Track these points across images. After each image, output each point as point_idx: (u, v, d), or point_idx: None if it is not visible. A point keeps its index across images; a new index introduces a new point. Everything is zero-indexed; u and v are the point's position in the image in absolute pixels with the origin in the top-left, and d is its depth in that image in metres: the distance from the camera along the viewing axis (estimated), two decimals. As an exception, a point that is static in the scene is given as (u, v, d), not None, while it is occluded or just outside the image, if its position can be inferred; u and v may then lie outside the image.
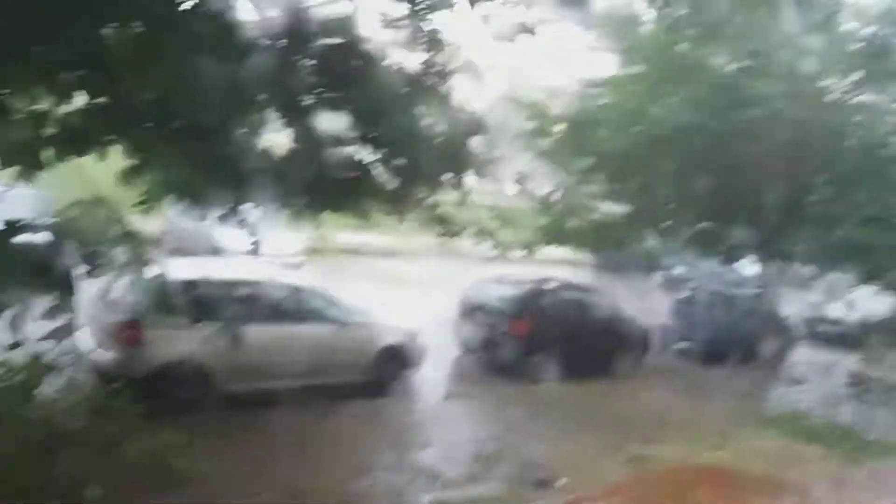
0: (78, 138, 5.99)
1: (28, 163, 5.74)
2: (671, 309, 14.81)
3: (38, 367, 6.46)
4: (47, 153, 5.82)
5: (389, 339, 10.04)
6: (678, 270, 18.18)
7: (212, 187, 6.80)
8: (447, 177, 8.18)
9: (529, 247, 13.44)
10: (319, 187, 7.28)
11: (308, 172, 7.04)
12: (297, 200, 7.71)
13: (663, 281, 18.62)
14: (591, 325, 12.21)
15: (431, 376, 10.58)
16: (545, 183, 14.35)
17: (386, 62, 7.24)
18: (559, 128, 14.04)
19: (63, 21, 5.11)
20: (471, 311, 12.03)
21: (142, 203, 6.68)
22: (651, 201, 13.76)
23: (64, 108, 5.96)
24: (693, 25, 12.18)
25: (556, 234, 14.12)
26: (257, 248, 16.26)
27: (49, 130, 5.83)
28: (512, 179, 14.05)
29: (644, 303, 14.68)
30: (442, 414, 9.82)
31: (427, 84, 7.55)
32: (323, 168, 7.18)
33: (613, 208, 14.22)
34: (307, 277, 11.12)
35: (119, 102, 5.84)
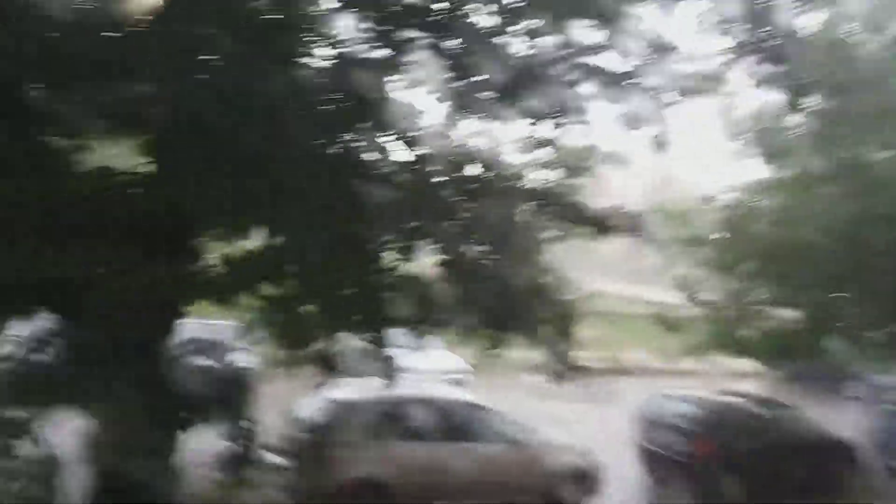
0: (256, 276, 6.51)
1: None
2: (878, 423, 13.17)
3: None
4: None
5: (566, 459, 9.62)
6: (879, 379, 16.33)
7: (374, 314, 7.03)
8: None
9: (698, 355, 12.69)
10: (482, 309, 7.37)
11: (469, 294, 7.17)
12: (460, 321, 7.81)
13: (859, 391, 16.76)
14: (788, 444, 11.04)
15: (612, 497, 9.93)
16: (709, 290, 13.73)
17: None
18: (717, 234, 13.57)
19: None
20: (649, 428, 11.33)
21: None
22: (829, 304, 12.69)
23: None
24: (843, 121, 11.58)
25: (727, 343, 13.27)
26: (423, 366, 16.55)
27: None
28: (673, 287, 13.57)
29: (841, 417, 13.22)
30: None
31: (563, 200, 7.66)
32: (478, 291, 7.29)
33: (787, 313, 13.25)
34: (475, 395, 11.05)
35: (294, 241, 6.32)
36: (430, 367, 15.45)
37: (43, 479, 6.25)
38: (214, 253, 6.63)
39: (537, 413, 11.21)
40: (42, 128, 5.24)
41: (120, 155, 6.03)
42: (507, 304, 7.38)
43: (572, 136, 7.59)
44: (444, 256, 7.26)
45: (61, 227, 5.07)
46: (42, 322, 6.31)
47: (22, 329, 6.40)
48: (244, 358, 15.00)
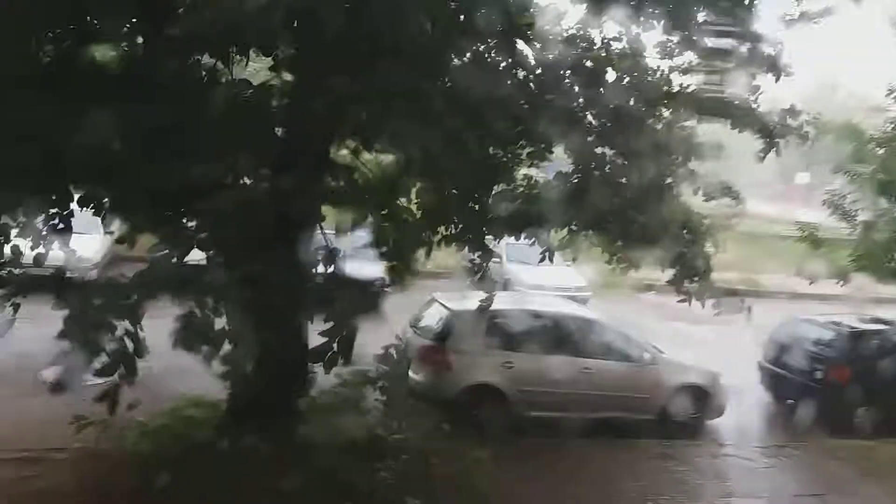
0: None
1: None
2: None
3: (364, 383, 7.24)
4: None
5: (687, 378, 9.50)
6: None
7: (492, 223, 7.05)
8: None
9: (843, 278, 11.85)
10: (599, 219, 7.22)
11: (591, 204, 7.03)
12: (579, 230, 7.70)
13: None
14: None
15: (735, 421, 9.75)
16: (864, 210, 12.65)
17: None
18: (881, 148, 12.32)
19: None
20: (780, 353, 10.89)
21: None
22: None
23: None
24: None
25: (876, 267, 12.25)
26: (546, 282, 16.58)
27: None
28: (824, 205, 12.63)
29: None
30: (746, 463, 8.97)
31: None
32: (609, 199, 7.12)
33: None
34: (598, 312, 11.05)
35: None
36: (552, 283, 15.54)
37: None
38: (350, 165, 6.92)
39: (662, 332, 11.07)
40: (187, 49, 5.55)
41: (260, 70, 6.29)
42: (640, 215, 7.23)
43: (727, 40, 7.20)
44: (575, 162, 7.17)
45: (206, 140, 5.41)
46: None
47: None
48: (372, 268, 15.77)
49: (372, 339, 9.65)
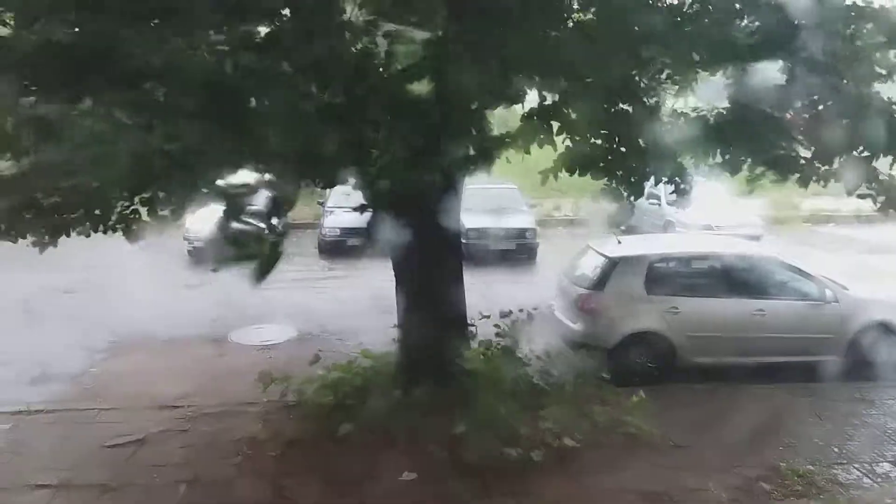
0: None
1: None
2: None
3: (520, 331, 7.37)
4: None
5: (876, 315, 8.71)
6: None
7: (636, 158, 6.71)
8: None
9: None
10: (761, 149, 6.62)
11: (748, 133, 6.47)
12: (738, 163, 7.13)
13: None
14: None
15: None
16: None
17: None
18: None
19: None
20: None
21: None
22: None
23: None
24: None
25: None
26: (711, 221, 15.78)
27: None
28: None
29: None
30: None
31: None
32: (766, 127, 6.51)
33: None
34: (770, 249, 10.36)
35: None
36: (718, 222, 14.74)
37: None
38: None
39: (845, 266, 10.20)
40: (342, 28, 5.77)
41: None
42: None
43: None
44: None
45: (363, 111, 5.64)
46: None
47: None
48: (524, 218, 15.79)
49: (528, 292, 9.82)
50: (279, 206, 5.47)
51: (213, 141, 4.78)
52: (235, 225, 5.03)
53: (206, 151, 4.86)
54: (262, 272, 4.91)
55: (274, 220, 5.23)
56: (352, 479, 6.02)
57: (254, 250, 4.92)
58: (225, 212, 5.01)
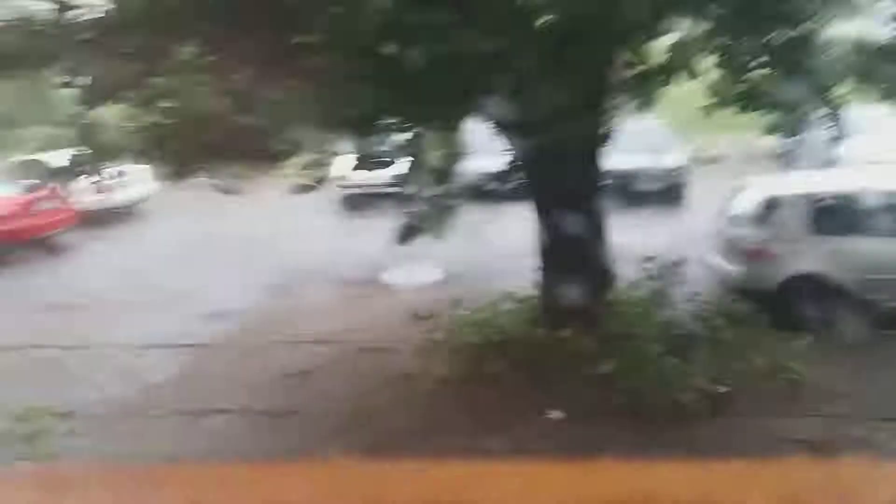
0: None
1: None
2: None
3: (670, 274, 7.15)
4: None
5: None
6: None
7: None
8: None
9: None
10: None
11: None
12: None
13: None
14: None
15: None
16: None
17: None
18: None
19: None
20: None
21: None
22: None
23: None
24: None
25: None
26: (887, 154, 14.34)
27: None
28: None
29: None
30: None
31: None
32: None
33: None
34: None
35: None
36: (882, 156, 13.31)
37: None
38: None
39: None
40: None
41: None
42: None
43: None
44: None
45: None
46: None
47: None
48: (673, 157, 15.04)
49: (678, 234, 9.44)
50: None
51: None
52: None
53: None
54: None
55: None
56: (500, 417, 6.17)
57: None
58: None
